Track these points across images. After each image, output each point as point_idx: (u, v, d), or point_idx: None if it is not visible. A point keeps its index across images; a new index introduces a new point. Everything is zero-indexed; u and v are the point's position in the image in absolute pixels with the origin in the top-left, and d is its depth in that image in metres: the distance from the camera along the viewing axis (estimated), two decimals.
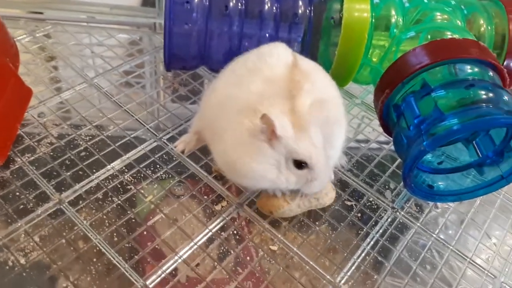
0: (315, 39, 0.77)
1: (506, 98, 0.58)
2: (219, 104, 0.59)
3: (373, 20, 0.72)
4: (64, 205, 0.59)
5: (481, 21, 0.74)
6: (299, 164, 0.53)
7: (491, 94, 0.58)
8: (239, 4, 0.73)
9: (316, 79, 0.59)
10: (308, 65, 0.61)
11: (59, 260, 0.54)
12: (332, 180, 0.63)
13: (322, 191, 0.60)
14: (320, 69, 0.64)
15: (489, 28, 0.74)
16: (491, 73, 0.62)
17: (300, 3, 0.75)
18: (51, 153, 0.66)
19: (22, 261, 0.53)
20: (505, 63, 0.72)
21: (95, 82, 0.79)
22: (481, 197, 0.68)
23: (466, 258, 0.62)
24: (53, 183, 0.62)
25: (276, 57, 0.60)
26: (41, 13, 0.96)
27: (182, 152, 0.68)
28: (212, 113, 0.60)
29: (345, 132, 0.63)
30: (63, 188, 0.61)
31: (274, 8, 0.74)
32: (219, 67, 0.78)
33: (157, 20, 0.98)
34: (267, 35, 0.74)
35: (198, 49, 0.75)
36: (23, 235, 0.56)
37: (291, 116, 0.52)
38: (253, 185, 0.58)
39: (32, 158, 0.65)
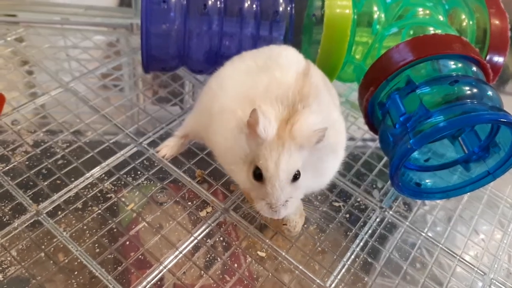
0: (297, 37, 0.76)
1: (490, 93, 0.58)
2: (220, 86, 0.58)
3: (355, 17, 0.71)
4: (42, 216, 0.57)
5: (463, 16, 0.74)
6: (259, 175, 0.49)
7: (475, 90, 0.58)
8: (218, 3, 0.71)
9: (324, 99, 0.56)
10: (318, 79, 0.59)
11: (38, 274, 0.52)
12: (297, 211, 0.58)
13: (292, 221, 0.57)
14: (327, 83, 0.62)
15: (470, 22, 0.73)
16: (474, 68, 0.61)
17: (281, 0, 0.74)
18: (27, 162, 0.64)
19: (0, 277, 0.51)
20: (487, 57, 0.71)
21: (71, 87, 0.76)
22: (468, 193, 0.68)
23: (455, 255, 0.62)
24: (29, 193, 0.59)
25: (285, 59, 0.58)
26: (14, 15, 0.93)
27: (163, 156, 0.66)
28: (211, 95, 0.59)
29: (341, 160, 0.58)
30: (40, 199, 0.59)
31: (254, 6, 0.73)
32: (199, 68, 0.77)
33: (134, 21, 0.95)
34: (248, 34, 0.73)
35: (177, 49, 0.73)
36: None
37: (283, 126, 0.49)
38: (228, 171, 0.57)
39: (7, 168, 0.62)
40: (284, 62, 0.58)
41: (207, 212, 0.61)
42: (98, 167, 0.64)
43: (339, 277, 0.56)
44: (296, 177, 0.50)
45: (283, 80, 0.54)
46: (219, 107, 0.56)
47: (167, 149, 0.66)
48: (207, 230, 0.59)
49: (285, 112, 0.51)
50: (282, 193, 0.49)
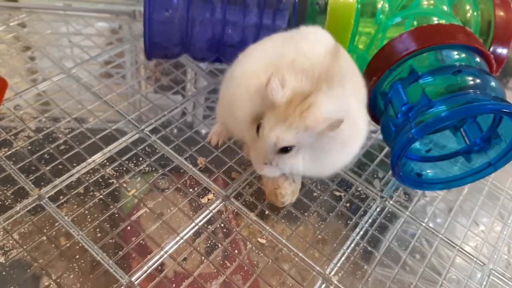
0: None
1: (493, 84, 0.58)
2: (245, 56, 0.59)
3: (359, 6, 0.71)
4: (44, 200, 0.57)
5: (467, 7, 0.73)
6: (257, 128, 0.51)
7: (478, 80, 0.57)
8: None
9: (346, 87, 0.53)
10: (346, 66, 0.57)
11: (40, 258, 0.52)
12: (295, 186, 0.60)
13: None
14: (355, 75, 0.59)
15: (475, 14, 0.73)
16: (478, 59, 0.61)
17: None
18: (29, 147, 0.64)
19: (2, 259, 0.51)
20: (491, 49, 0.71)
21: (74, 73, 0.76)
22: (469, 184, 0.68)
23: (455, 246, 0.62)
24: (32, 178, 0.59)
25: (314, 36, 0.58)
26: (15, 0, 0.92)
27: (217, 144, 0.67)
28: (235, 64, 0.59)
29: (351, 157, 0.56)
30: (42, 183, 0.59)
31: None
32: (202, 55, 0.77)
33: (136, 7, 0.95)
34: (251, 22, 0.72)
35: (180, 36, 0.72)
36: (1, 232, 0.54)
37: (298, 99, 0.48)
38: (230, 127, 0.58)
39: (9, 152, 0.62)
40: (313, 38, 0.58)
41: (208, 199, 0.61)
42: (100, 153, 0.64)
43: (338, 265, 0.57)
44: (286, 149, 0.50)
45: (311, 54, 0.54)
46: (241, 70, 0.56)
47: (217, 136, 0.67)
48: (208, 217, 0.59)
49: (307, 86, 0.49)
50: (263, 155, 0.51)
